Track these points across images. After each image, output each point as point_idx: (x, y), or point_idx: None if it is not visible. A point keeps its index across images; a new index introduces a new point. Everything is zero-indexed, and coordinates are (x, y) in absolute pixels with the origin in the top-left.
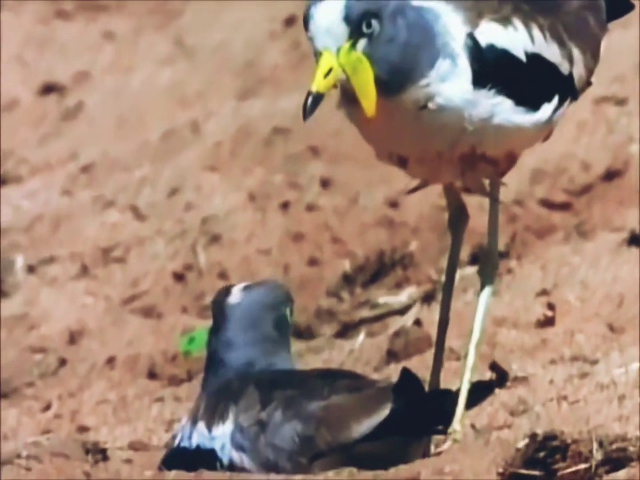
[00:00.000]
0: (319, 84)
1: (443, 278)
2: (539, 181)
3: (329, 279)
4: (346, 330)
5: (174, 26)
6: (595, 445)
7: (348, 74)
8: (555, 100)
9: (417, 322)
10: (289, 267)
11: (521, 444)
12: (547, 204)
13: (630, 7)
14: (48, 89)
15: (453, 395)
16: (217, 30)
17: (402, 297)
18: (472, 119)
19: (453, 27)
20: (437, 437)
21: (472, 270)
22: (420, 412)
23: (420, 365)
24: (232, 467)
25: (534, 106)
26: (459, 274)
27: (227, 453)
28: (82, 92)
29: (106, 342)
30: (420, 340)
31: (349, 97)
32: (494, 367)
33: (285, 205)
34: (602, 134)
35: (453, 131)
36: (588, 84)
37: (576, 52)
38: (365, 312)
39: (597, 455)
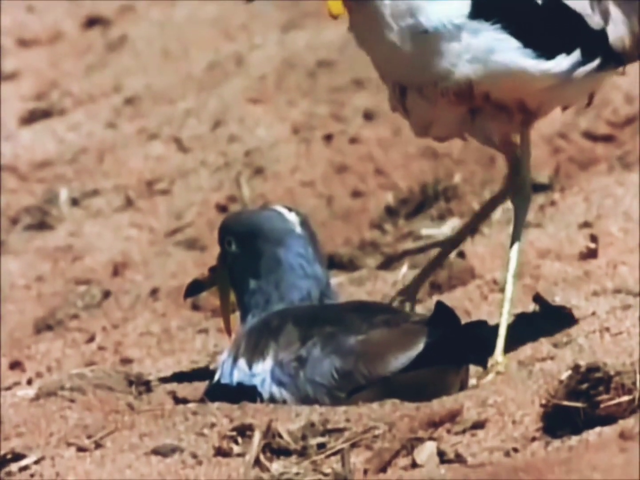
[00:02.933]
0: (333, 6)
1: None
2: (582, 113)
3: (372, 211)
4: (389, 262)
5: None
6: (638, 377)
7: None
8: (577, 54)
9: (460, 254)
10: (333, 200)
11: (564, 375)
12: (591, 136)
13: None
14: (92, 21)
15: (488, 326)
16: None
17: (446, 229)
18: (470, 47)
19: None
20: (478, 369)
21: None
22: (456, 343)
23: (464, 296)
24: (272, 402)
25: (547, 54)
26: (501, 207)
27: (267, 388)
28: (126, 25)
29: (150, 274)
30: (464, 272)
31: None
32: (537, 298)
33: (329, 138)
34: None
35: (449, 57)
36: (639, 53)
37: (616, 12)
38: (409, 244)
39: None
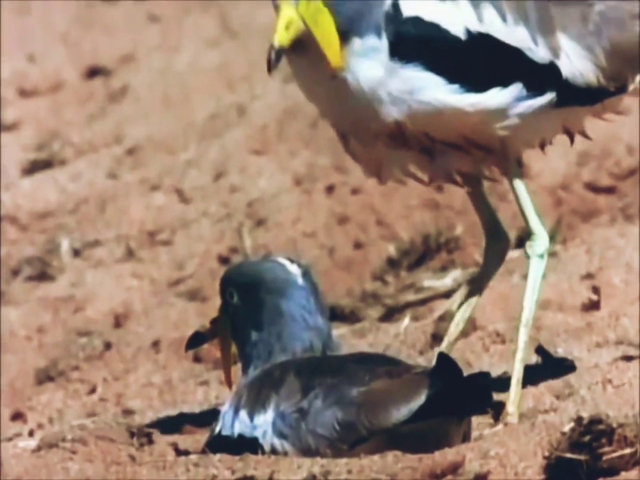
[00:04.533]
0: (280, 37)
1: None
2: (585, 165)
3: (374, 262)
4: (391, 314)
5: (219, 7)
6: None
7: (308, 24)
8: (518, 87)
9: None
10: (334, 250)
11: (566, 427)
12: (593, 187)
13: None
14: (93, 71)
15: (490, 377)
16: (262, 11)
17: (447, 280)
18: (390, 91)
19: None
20: (481, 421)
21: (517, 253)
22: (458, 394)
23: (465, 348)
24: (273, 453)
25: (476, 87)
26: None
27: (269, 440)
28: (127, 74)
29: (151, 325)
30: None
31: (298, 50)
32: (539, 350)
33: (330, 188)
34: None
35: (370, 101)
36: (613, 88)
37: (571, 45)
38: (410, 296)
39: None
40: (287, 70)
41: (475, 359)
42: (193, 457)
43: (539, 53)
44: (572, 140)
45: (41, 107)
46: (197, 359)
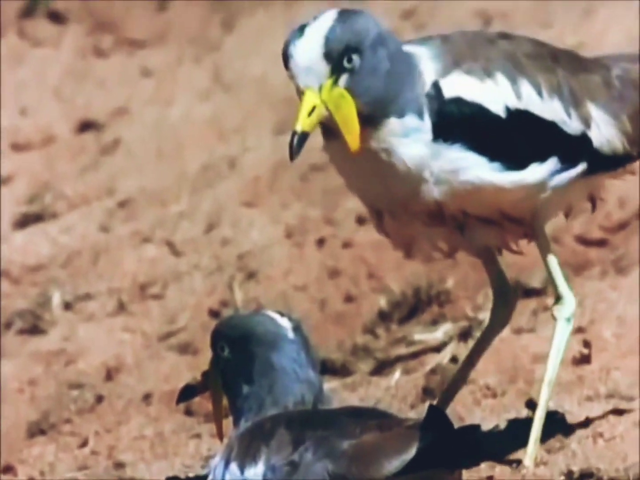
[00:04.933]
0: (303, 123)
1: (480, 315)
2: (575, 218)
3: (365, 315)
4: (382, 367)
5: (212, 59)
6: None
7: (331, 110)
8: (554, 161)
9: (454, 359)
10: (325, 303)
11: None
12: (584, 240)
13: None
14: (86, 125)
15: (481, 430)
16: (255, 64)
17: (439, 333)
18: (433, 171)
19: (427, 76)
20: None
21: None
22: (449, 447)
23: (456, 402)
24: None
25: (517, 165)
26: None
27: None
28: (120, 128)
29: (143, 378)
30: None
31: (329, 135)
32: (530, 404)
33: (321, 241)
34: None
35: (412, 181)
36: (638, 153)
37: (599, 114)
38: (402, 349)
39: None
40: (278, 122)
41: (466, 412)
42: None
43: (572, 125)
44: (594, 207)
45: (34, 161)
46: (188, 412)
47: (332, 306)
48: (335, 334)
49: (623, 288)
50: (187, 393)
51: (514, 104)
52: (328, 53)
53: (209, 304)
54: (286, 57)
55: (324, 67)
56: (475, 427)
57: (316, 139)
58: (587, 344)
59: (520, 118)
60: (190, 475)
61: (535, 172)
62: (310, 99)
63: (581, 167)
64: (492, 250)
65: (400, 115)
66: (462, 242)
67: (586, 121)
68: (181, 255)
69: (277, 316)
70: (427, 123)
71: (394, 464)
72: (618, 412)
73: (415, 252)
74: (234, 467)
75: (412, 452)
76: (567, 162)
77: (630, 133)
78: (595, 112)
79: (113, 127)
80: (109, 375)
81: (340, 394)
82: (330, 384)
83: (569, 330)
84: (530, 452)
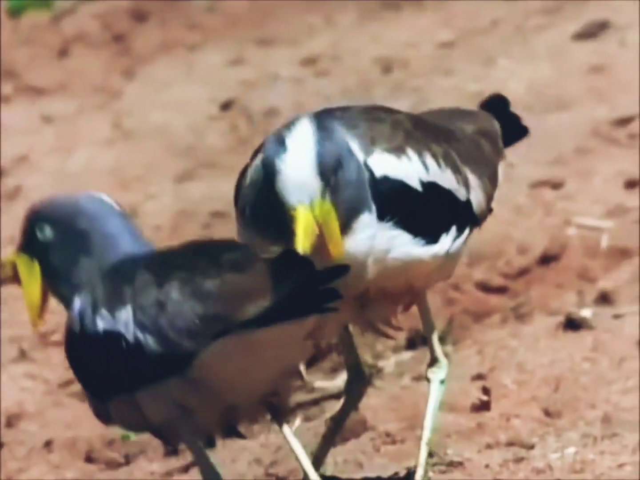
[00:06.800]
0: (303, 244)
1: (379, 363)
2: (477, 264)
3: None
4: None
5: (113, 107)
6: None
7: (320, 225)
8: (454, 230)
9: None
10: None
11: None
12: (485, 287)
13: (525, 132)
14: None
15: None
16: (156, 112)
17: (338, 381)
18: (374, 253)
19: (360, 156)
20: None
21: (408, 355)
22: (313, 289)
23: (356, 449)
24: (137, 346)
25: (434, 237)
26: (394, 359)
27: (132, 333)
28: (21, 176)
29: (45, 425)
30: (357, 425)
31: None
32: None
33: None
34: (539, 217)
35: (360, 268)
36: (489, 210)
37: (473, 178)
38: (302, 396)
39: None
40: (180, 170)
41: (366, 459)
42: None
43: (461, 191)
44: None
45: None
46: (89, 460)
47: None
48: None
49: (523, 335)
50: None
51: (425, 177)
52: (321, 169)
53: None
54: (272, 172)
55: (317, 183)
56: (340, 267)
57: (218, 186)
58: (486, 390)
59: (430, 190)
60: None
61: (445, 243)
62: (307, 217)
63: (467, 230)
64: (352, 335)
65: (362, 210)
66: (357, 319)
67: (467, 186)
68: None
69: (98, 194)
70: (372, 207)
71: (260, 304)
72: (518, 460)
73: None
74: (104, 311)
75: (279, 292)
76: (461, 228)
77: (489, 193)
78: (470, 176)
79: (14, 175)
80: (10, 422)
81: (238, 442)
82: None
83: (442, 392)
84: None
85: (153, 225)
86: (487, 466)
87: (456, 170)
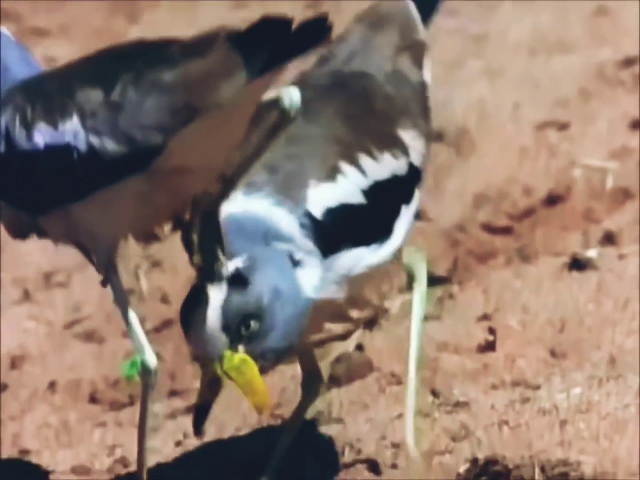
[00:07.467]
0: (202, 396)
1: (385, 303)
2: (481, 206)
3: None
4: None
5: None
6: (537, 471)
7: (233, 377)
8: (405, 208)
9: (359, 348)
10: None
11: (462, 469)
12: (489, 228)
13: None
14: None
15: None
16: None
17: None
18: (333, 284)
19: (285, 225)
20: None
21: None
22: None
23: (362, 391)
24: (92, 153)
25: (387, 233)
26: (399, 300)
27: (83, 141)
28: None
29: (48, 367)
30: (362, 366)
31: None
32: (434, 392)
33: None
34: (544, 159)
35: (325, 310)
36: (430, 139)
37: (407, 136)
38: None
39: None
40: None
41: (371, 400)
42: None
43: (402, 163)
44: None
45: None
46: (93, 400)
47: None
48: None
49: (528, 276)
50: None
51: (365, 183)
52: (226, 325)
53: None
54: (184, 325)
55: (223, 339)
56: (324, 18)
57: None
58: (492, 331)
59: (373, 193)
60: (96, 463)
61: (400, 229)
62: (211, 371)
63: (417, 195)
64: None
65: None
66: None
67: (406, 152)
68: None
69: None
70: (313, 264)
71: (228, 87)
72: (523, 400)
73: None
74: (42, 125)
75: (254, 63)
76: (411, 199)
77: (426, 133)
78: (405, 135)
79: None
80: (13, 364)
81: None
82: None
83: (424, 306)
84: (410, 428)
85: None
86: (492, 407)
87: (391, 145)
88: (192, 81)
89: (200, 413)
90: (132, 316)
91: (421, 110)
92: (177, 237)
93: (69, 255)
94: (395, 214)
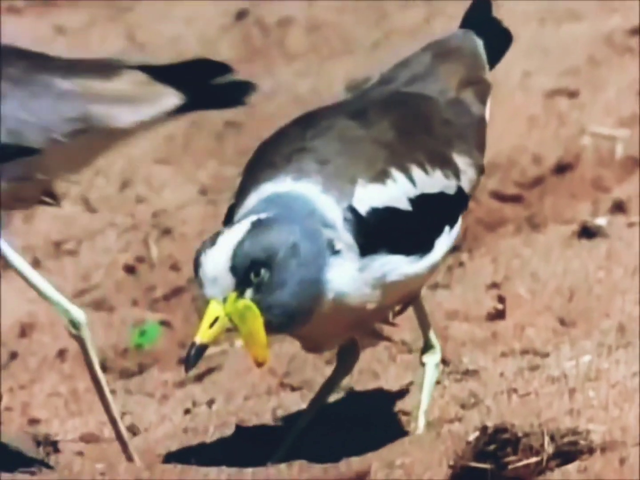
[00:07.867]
0: (203, 334)
1: None
2: (491, 174)
3: None
4: None
5: (125, 20)
6: (546, 439)
7: (236, 322)
8: (447, 229)
9: None
10: None
11: (472, 436)
12: (499, 196)
13: (510, 38)
14: None
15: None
16: (168, 24)
17: None
18: (366, 288)
19: (330, 213)
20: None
21: None
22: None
23: (372, 358)
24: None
25: (427, 248)
26: None
27: None
28: None
29: (57, 335)
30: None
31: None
32: (444, 360)
33: None
34: (554, 127)
35: (356, 311)
36: (481, 172)
37: (461, 160)
38: None
39: (548, 449)
40: None
41: (382, 368)
42: (99, 466)
43: (451, 184)
44: None
45: None
46: (102, 369)
47: None
48: None
49: (537, 245)
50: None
51: (413, 192)
52: (234, 267)
53: (124, 261)
54: (195, 266)
55: (229, 280)
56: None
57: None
58: (501, 299)
59: (420, 204)
60: (105, 431)
61: (440, 248)
62: (213, 310)
63: (460, 219)
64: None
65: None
66: (354, 332)
67: (457, 174)
68: (96, 213)
69: None
70: (349, 256)
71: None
72: (532, 368)
73: (324, 349)
74: None
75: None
76: (454, 222)
77: (479, 163)
78: (459, 159)
79: None
80: (23, 332)
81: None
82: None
83: (437, 374)
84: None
85: (165, 135)
86: (501, 374)
87: (444, 165)
88: (91, 95)
89: (195, 352)
90: (39, 279)
91: (477, 143)
92: (187, 206)
93: (79, 224)
94: (438, 230)
